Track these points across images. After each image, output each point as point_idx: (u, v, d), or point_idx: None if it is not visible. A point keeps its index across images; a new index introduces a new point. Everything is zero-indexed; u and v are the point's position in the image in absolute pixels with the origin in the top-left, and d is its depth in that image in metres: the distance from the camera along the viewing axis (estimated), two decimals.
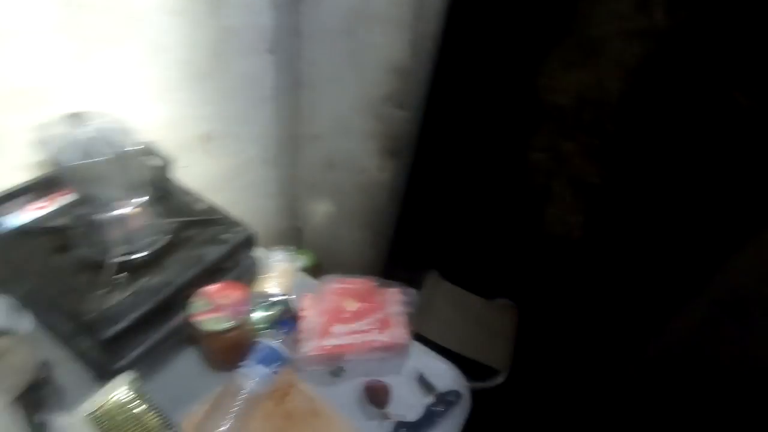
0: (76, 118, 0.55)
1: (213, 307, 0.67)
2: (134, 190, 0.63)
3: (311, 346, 0.71)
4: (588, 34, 1.18)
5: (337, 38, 1.11)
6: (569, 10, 1.17)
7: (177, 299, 0.66)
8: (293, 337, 0.74)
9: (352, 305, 0.79)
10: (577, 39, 1.21)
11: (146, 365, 0.66)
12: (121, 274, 0.64)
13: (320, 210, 1.53)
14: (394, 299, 0.81)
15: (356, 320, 0.76)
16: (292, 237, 1.61)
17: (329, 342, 0.72)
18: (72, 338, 0.64)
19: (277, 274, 0.85)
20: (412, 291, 0.82)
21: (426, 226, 1.49)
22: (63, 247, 0.68)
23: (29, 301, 0.69)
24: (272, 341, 0.71)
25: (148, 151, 0.57)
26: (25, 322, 0.73)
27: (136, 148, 0.56)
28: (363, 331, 0.75)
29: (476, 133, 1.36)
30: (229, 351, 0.68)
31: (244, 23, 1.01)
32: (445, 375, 0.76)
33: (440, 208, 1.49)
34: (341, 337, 0.73)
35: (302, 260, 0.91)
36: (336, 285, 0.82)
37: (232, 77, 1.07)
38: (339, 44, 1.12)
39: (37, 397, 0.58)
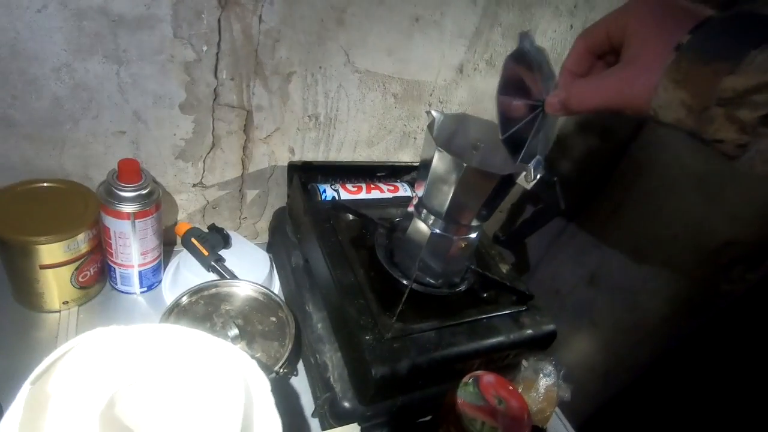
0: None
1: (484, 406, 0.49)
2: (484, 218, 0.51)
3: None
4: None
5: (703, 146, 0.88)
6: None
7: (451, 367, 0.50)
8: None
9: None
10: None
11: (373, 428, 0.51)
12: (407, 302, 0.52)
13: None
14: None
15: None
16: None
17: None
18: (318, 345, 0.53)
19: (541, 395, 0.63)
20: None
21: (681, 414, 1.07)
22: (362, 242, 0.60)
23: (293, 276, 0.63)
24: None
25: (547, 184, 0.44)
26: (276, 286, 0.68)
27: (538, 174, 0.43)
28: None
29: None
30: None
31: None
32: None
33: (719, 404, 1.05)
34: None
35: (566, 392, 0.67)
36: None
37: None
38: (700, 153, 0.89)
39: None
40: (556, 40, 0.75)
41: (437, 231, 0.50)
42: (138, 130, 0.57)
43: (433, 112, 0.48)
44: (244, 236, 0.77)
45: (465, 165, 0.42)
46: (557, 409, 0.67)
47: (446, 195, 0.46)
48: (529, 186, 0.44)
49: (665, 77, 0.29)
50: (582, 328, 1.19)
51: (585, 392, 1.18)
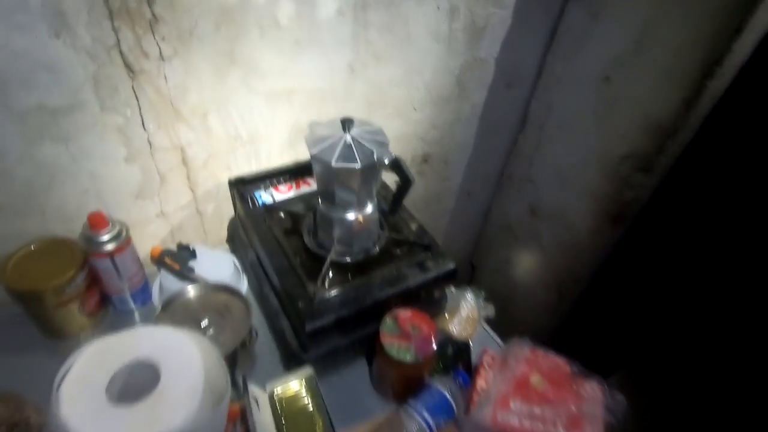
0: (345, 123, 0.59)
1: (400, 334, 0.65)
2: (369, 198, 0.66)
3: (486, 414, 0.63)
4: None
5: (589, 84, 1.00)
6: None
7: (373, 312, 0.66)
8: (467, 392, 0.67)
9: (540, 384, 0.68)
10: None
11: (325, 365, 0.68)
12: (332, 272, 0.68)
13: (504, 254, 1.43)
14: (592, 396, 0.67)
15: (541, 403, 0.65)
16: (461, 272, 1.55)
17: (506, 417, 0.63)
18: (276, 316, 0.70)
19: (462, 318, 0.79)
20: (620, 398, 0.66)
21: (626, 310, 1.24)
22: (294, 230, 0.75)
23: (251, 269, 0.79)
24: (445, 388, 0.65)
25: (396, 165, 0.58)
26: (244, 285, 0.84)
27: (386, 159, 0.57)
28: (546, 421, 0.64)
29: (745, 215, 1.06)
30: (403, 384, 0.65)
31: (494, 57, 1.00)
32: None
33: (653, 293, 1.22)
34: (521, 417, 0.64)
35: (490, 309, 0.84)
36: (526, 353, 0.72)
37: (467, 107, 1.07)
38: (588, 91, 1.01)
39: (239, 357, 0.65)
40: (429, 23, 0.86)
41: (336, 214, 0.65)
42: (98, 185, 0.72)
43: (313, 125, 0.62)
44: (212, 244, 0.93)
45: (332, 164, 0.57)
46: (484, 323, 0.83)
47: (330, 186, 0.61)
48: (387, 169, 0.59)
49: None
50: (534, 253, 1.35)
51: (547, 307, 1.36)
